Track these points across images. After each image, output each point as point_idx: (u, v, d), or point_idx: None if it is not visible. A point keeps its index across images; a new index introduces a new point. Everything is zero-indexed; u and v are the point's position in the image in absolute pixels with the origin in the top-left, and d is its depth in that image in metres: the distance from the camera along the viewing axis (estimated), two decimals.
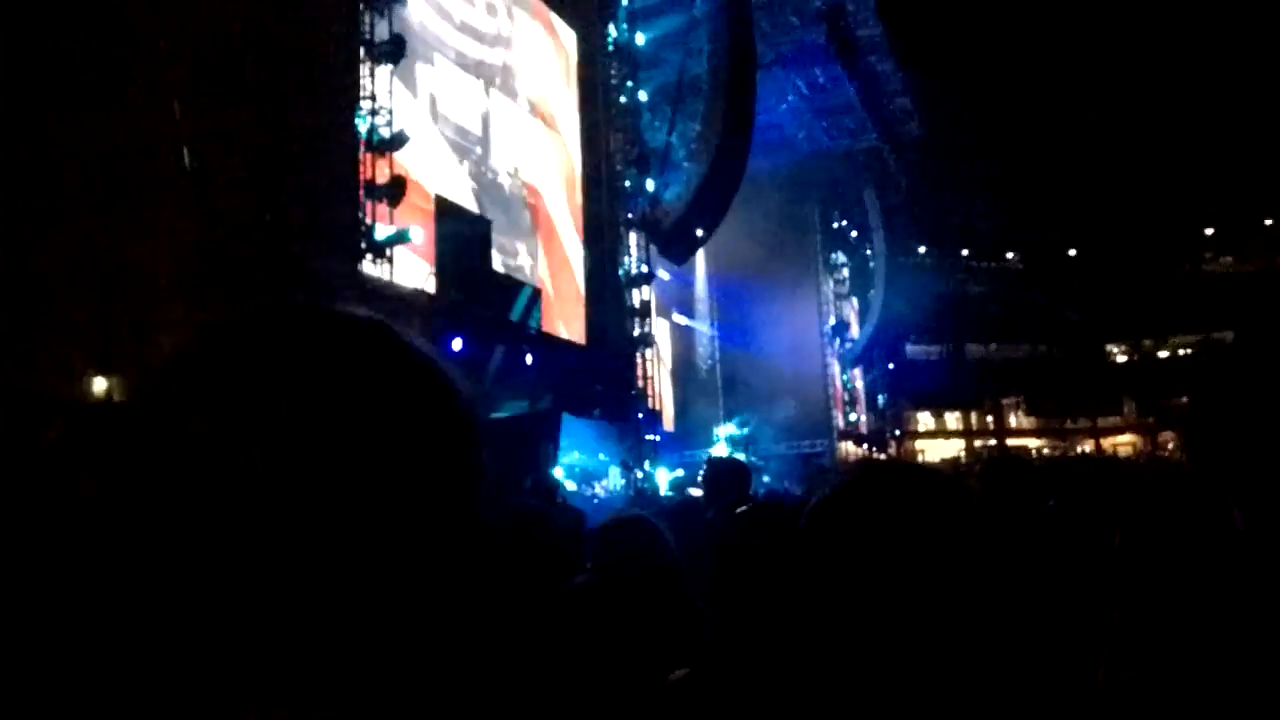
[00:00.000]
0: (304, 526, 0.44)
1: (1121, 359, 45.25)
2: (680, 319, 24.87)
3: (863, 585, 0.85)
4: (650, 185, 17.02)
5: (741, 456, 21.97)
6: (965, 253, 42.43)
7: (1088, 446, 41.72)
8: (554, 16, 16.46)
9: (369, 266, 11.39)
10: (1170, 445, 40.23)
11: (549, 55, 16.38)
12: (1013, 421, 44.40)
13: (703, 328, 25.93)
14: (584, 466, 15.68)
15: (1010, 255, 44.54)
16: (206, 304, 9.22)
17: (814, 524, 0.92)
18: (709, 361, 26.44)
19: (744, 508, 2.15)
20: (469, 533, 0.48)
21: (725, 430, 21.58)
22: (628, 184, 17.02)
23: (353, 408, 0.46)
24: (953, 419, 43.81)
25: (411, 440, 0.47)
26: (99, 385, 9.07)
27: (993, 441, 42.59)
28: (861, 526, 0.88)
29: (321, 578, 0.44)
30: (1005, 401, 43.93)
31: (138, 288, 8.96)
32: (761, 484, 17.87)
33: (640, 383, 16.75)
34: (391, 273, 11.59)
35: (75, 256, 8.48)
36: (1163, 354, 44.08)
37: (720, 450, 19.84)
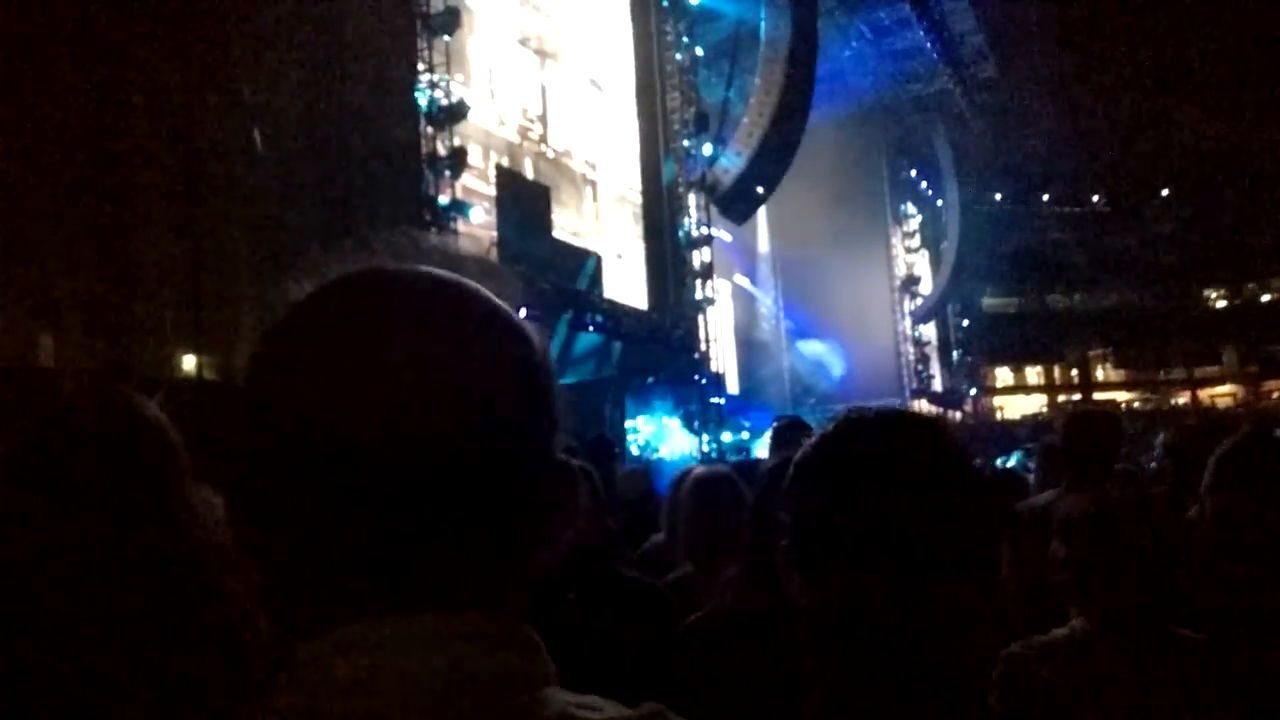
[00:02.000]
0: (428, 455, 0.50)
1: (1220, 304, 42.63)
2: (742, 281, 24.58)
3: (842, 535, 0.86)
4: (708, 147, 16.74)
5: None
6: (1045, 198, 40.40)
7: (1183, 399, 39.70)
8: None
9: (432, 238, 11.62)
10: (1276, 395, 37.88)
11: (602, 18, 16.17)
12: (1099, 374, 42.53)
13: (764, 297, 25.62)
14: (647, 434, 15.84)
15: (1095, 198, 42.19)
16: (283, 281, 9.60)
17: (796, 475, 0.94)
18: (772, 321, 26.12)
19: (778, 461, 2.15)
20: (552, 465, 0.56)
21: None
22: (686, 144, 16.79)
23: (456, 352, 0.52)
24: (1033, 373, 42.24)
25: (505, 381, 0.53)
26: (189, 362, 9.58)
27: (1078, 396, 40.92)
28: (837, 477, 0.90)
29: (440, 498, 0.51)
30: (1091, 353, 42.04)
31: (220, 267, 9.39)
32: None
33: (703, 346, 16.69)
34: (455, 244, 11.81)
35: (162, 240, 8.94)
36: (1266, 297, 41.34)
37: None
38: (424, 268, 0.56)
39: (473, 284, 0.56)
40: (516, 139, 13.67)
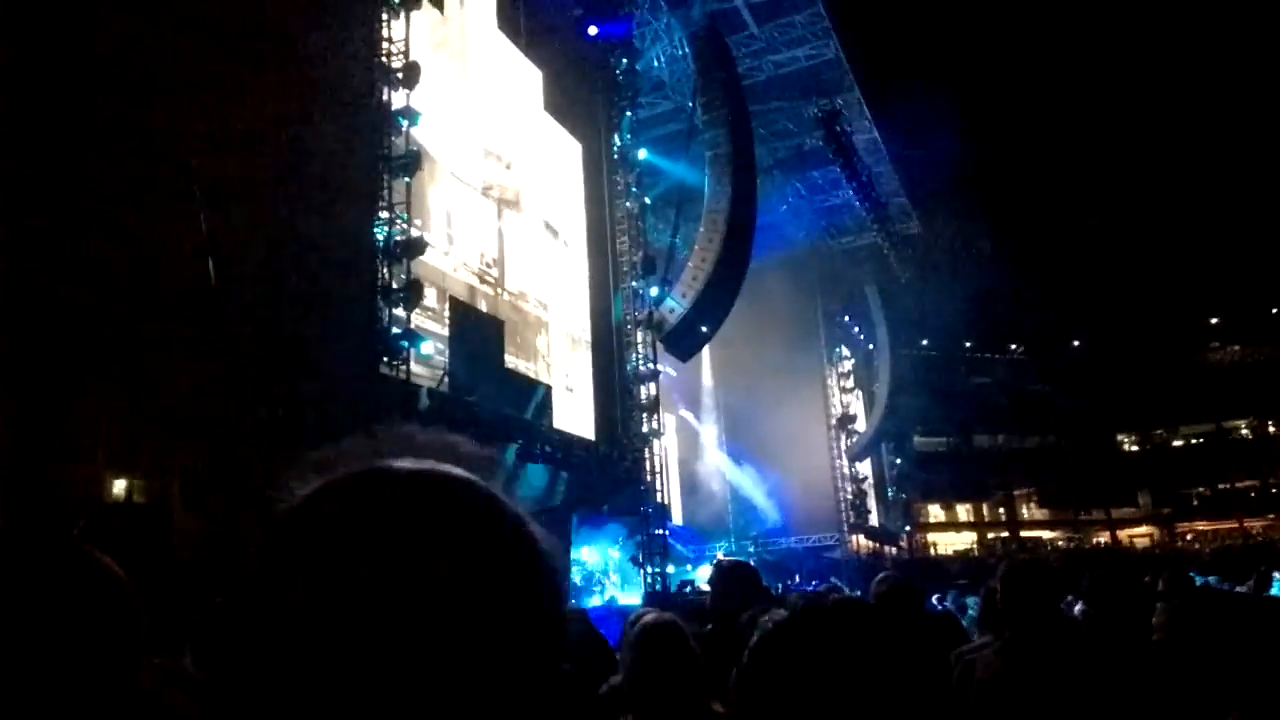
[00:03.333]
0: (414, 675, 0.48)
1: (1133, 449, 44.76)
2: (687, 415, 25.16)
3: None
4: (655, 289, 17.60)
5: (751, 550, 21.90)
6: (968, 344, 42.77)
7: (1103, 538, 40.88)
8: (561, 130, 17.40)
9: (384, 367, 11.73)
10: (1189, 536, 39.43)
11: (558, 168, 17.21)
12: (1025, 513, 43.69)
13: (707, 431, 26.20)
14: (592, 565, 15.66)
15: (1013, 346, 44.81)
16: (226, 410, 9.46)
17: (754, 662, 1.02)
18: (716, 455, 26.50)
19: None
20: (552, 680, 0.53)
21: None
22: (634, 285, 17.61)
23: (454, 570, 0.50)
24: (964, 511, 43.17)
25: (506, 597, 0.51)
26: (119, 487, 9.24)
27: (1005, 534, 41.78)
28: (796, 670, 0.98)
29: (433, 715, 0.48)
30: (1017, 493, 43.34)
31: (160, 393, 9.20)
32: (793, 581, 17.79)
33: (649, 477, 16.84)
34: (408, 374, 11.92)
35: (101, 362, 8.78)
36: (1175, 443, 43.62)
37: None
38: (432, 464, 0.55)
39: (483, 485, 0.55)
40: (474, 281, 14.09)
